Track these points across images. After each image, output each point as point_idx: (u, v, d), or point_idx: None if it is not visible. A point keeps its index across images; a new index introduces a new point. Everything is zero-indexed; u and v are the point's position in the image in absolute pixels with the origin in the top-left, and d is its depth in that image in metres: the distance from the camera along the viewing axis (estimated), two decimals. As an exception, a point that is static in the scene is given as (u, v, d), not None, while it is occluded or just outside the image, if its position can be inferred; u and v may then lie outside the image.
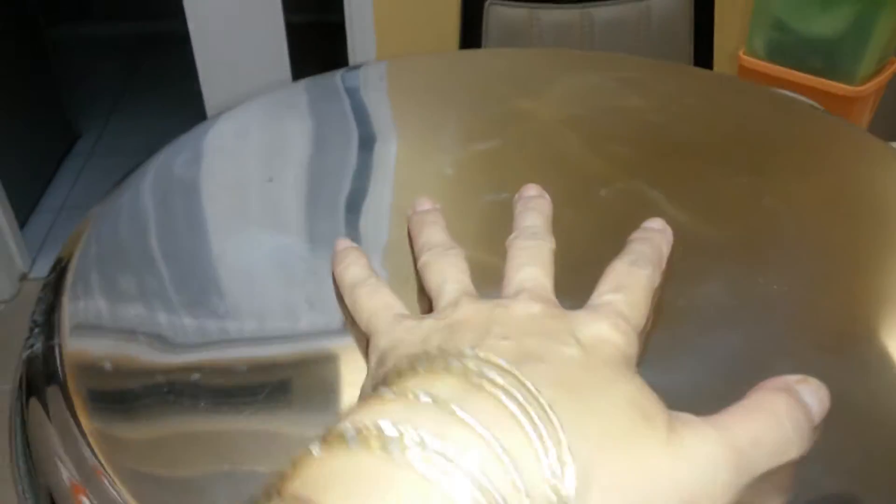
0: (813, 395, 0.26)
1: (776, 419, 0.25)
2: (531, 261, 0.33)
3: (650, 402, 0.24)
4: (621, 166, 0.46)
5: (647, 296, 0.31)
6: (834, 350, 0.33)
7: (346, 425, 0.20)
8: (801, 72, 0.96)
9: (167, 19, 2.57)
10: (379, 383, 0.22)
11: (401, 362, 0.22)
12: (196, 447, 0.29)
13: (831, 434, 0.28)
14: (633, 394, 0.24)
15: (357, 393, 0.29)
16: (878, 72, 0.97)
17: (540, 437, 0.20)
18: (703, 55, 1.30)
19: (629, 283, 0.31)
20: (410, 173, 0.46)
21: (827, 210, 0.42)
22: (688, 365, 0.32)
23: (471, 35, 1.35)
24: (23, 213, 2.02)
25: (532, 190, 0.39)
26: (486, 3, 1.33)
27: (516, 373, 0.21)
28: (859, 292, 0.37)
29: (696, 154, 0.47)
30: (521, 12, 1.33)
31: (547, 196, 0.39)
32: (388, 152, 0.48)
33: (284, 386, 0.31)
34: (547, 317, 0.28)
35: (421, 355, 0.22)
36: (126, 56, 2.90)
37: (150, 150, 0.48)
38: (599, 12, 1.38)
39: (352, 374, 0.31)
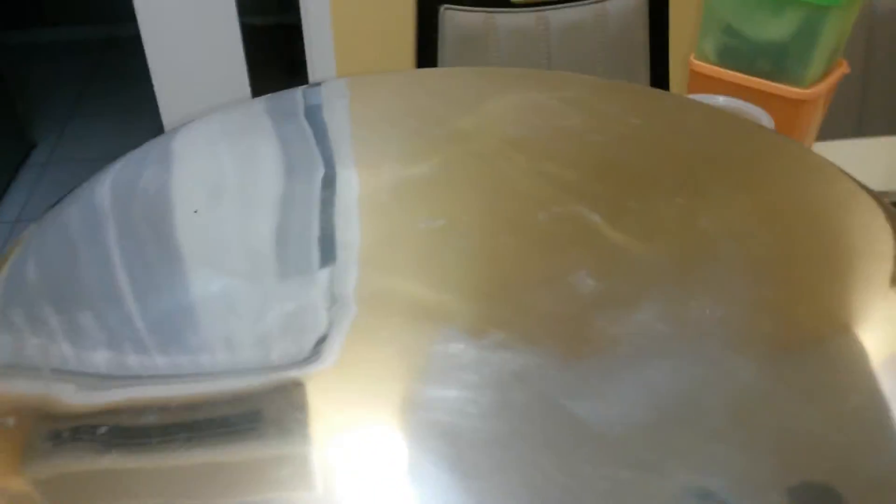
0: None
1: None
2: None
3: None
4: (560, 188, 0.45)
5: None
6: (769, 375, 0.33)
7: None
8: (751, 75, 0.97)
9: (123, 23, 2.53)
10: None
11: None
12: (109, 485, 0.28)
13: (766, 464, 0.28)
14: None
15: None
16: (826, 74, 0.98)
17: None
18: (658, 58, 1.30)
19: None
20: (347, 201, 0.45)
21: (765, 229, 0.42)
22: (619, 395, 0.32)
23: (426, 39, 1.34)
24: (-23, 225, 1.98)
25: None
26: (441, 8, 1.32)
27: None
28: (794, 313, 0.37)
29: (636, 175, 0.47)
30: (476, 17, 1.33)
31: None
32: (329, 178, 0.47)
33: (197, 425, 0.30)
34: None
35: None
36: (82, 61, 2.84)
37: (109, 157, 0.47)
38: (556, 16, 1.38)
39: (265, 407, 0.31)
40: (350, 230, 0.42)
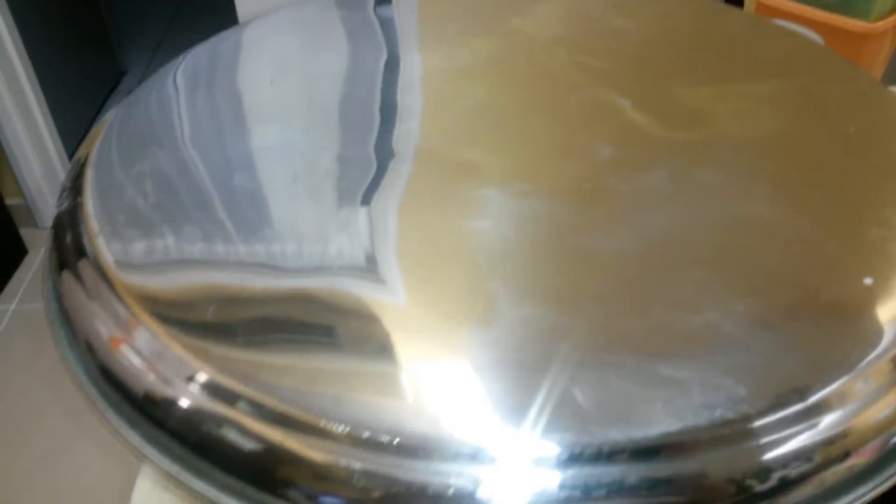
0: None
1: None
2: None
3: None
4: (594, 77, 0.50)
5: None
6: (759, 226, 0.37)
7: None
8: (816, 8, 0.97)
9: (210, -42, 2.60)
10: None
11: None
12: (217, 291, 0.33)
13: (739, 289, 0.33)
14: None
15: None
16: (894, 9, 0.98)
17: None
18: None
19: None
20: (407, 80, 0.50)
21: (778, 115, 0.46)
22: (621, 233, 0.37)
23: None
24: (71, 145, 2.11)
25: None
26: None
27: None
28: (790, 181, 0.41)
29: (667, 69, 0.51)
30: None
31: None
32: (389, 65, 0.53)
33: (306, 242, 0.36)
34: None
35: None
36: (171, -5, 2.95)
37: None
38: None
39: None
40: (407, 102, 0.47)
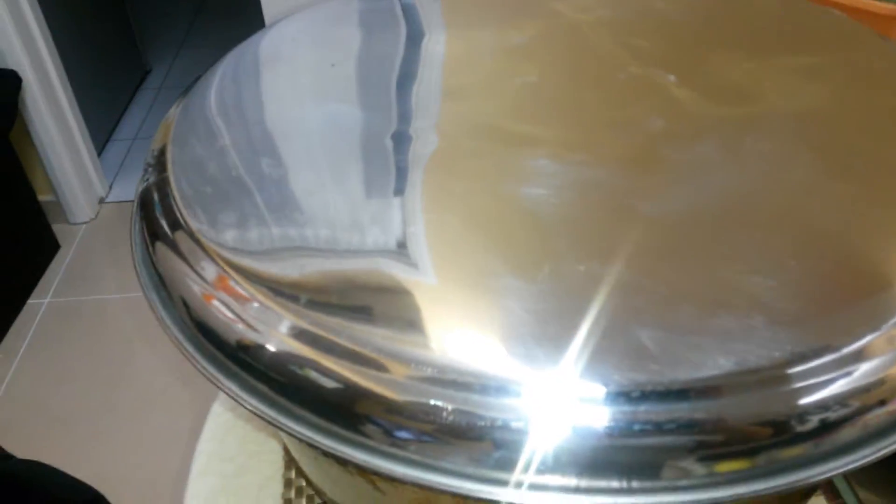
0: None
1: None
2: None
3: None
4: (639, 56, 0.52)
5: None
6: (805, 191, 0.39)
7: None
8: (843, -8, 0.99)
9: (232, -43, 2.64)
10: None
11: None
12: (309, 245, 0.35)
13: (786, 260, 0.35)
14: None
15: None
16: (921, -7, 0.99)
17: None
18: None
19: None
20: (456, 60, 0.53)
21: (820, 90, 0.48)
22: (675, 197, 0.39)
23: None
24: (100, 142, 2.16)
25: None
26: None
27: None
28: (833, 147, 0.43)
29: (711, 47, 0.53)
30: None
31: None
32: (435, 47, 0.55)
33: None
34: None
35: None
36: (192, -6, 2.99)
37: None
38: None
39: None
40: (459, 81, 0.50)
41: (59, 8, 1.93)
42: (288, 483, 0.56)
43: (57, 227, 1.97)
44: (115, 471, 1.45)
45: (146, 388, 1.61)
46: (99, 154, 2.14)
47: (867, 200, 0.38)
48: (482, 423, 0.28)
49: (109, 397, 1.60)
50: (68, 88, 1.93)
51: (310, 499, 0.55)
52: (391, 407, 0.30)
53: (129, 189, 2.11)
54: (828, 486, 0.49)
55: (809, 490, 0.44)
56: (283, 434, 0.38)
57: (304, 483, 0.56)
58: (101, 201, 2.09)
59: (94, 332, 1.75)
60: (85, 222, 2.03)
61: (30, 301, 1.82)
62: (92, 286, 1.85)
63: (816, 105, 0.46)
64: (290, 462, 0.58)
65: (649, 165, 0.41)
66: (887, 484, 0.45)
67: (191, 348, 0.34)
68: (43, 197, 1.95)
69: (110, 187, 2.13)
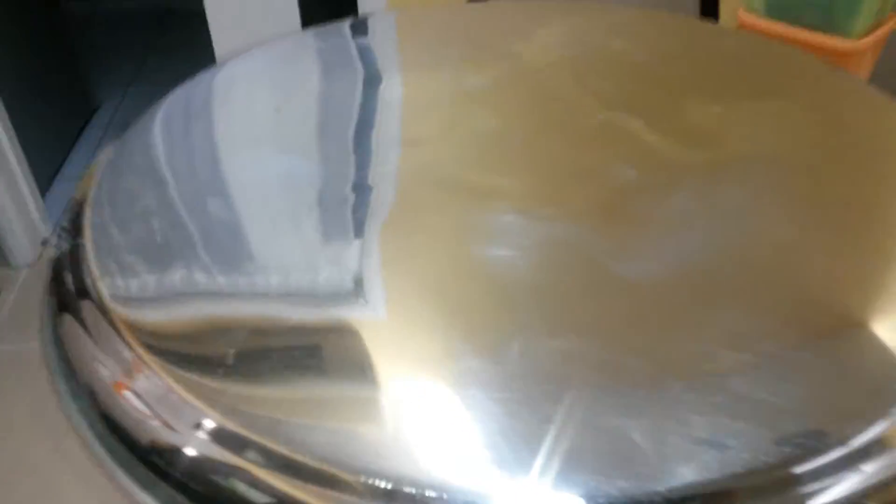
0: None
1: None
2: None
3: None
4: (604, 100, 0.49)
5: None
6: (782, 247, 0.36)
7: None
8: (800, 27, 0.98)
9: (182, -7, 2.60)
10: None
11: None
12: (225, 326, 0.32)
13: (765, 320, 0.32)
14: None
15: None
16: (876, 26, 0.99)
17: None
18: (709, 11, 1.31)
19: None
20: (410, 107, 0.49)
21: (787, 134, 0.45)
22: (651, 256, 0.36)
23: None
24: (44, 182, 2.08)
25: None
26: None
27: None
28: (809, 196, 0.40)
29: (675, 89, 0.50)
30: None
31: None
32: (393, 90, 0.51)
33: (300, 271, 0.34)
34: None
35: None
36: (142, 31, 2.94)
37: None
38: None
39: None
40: (414, 130, 0.46)
41: None
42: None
43: (-3, 272, 1.88)
44: (55, 533, 1.36)
45: (91, 441, 1.53)
46: (43, 195, 2.06)
47: (849, 257, 0.35)
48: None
49: (56, 447, 1.51)
50: (9, 127, 1.85)
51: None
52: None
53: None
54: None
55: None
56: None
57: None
58: (45, 243, 2.01)
59: (37, 381, 1.67)
60: (27, 265, 1.94)
61: (-34, 350, 1.73)
62: (34, 332, 1.77)
63: (785, 149, 0.43)
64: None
65: (620, 220, 0.38)
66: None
67: (100, 450, 0.29)
68: (-18, 240, 1.86)
69: (54, 228, 2.05)
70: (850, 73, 0.81)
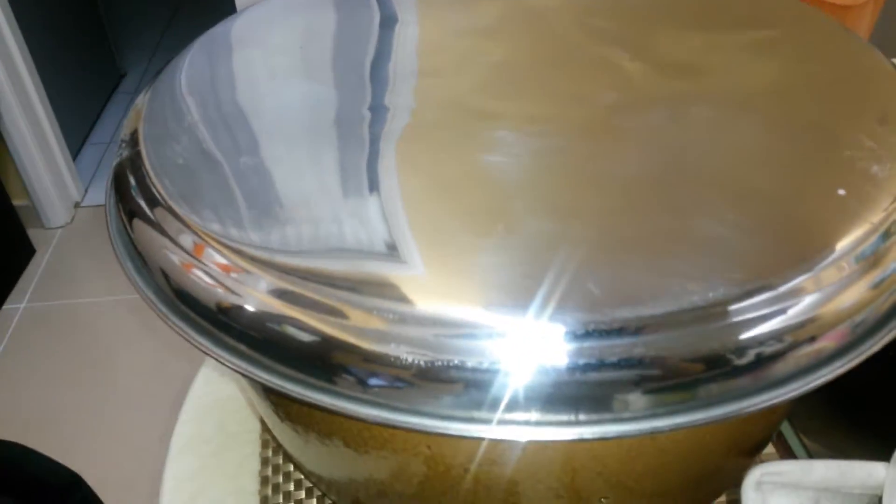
0: None
1: None
2: None
3: None
4: (599, 35, 0.54)
5: None
6: (750, 152, 0.42)
7: None
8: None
9: (205, -39, 2.65)
10: None
11: None
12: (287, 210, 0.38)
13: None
14: None
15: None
16: (875, -16, 1.02)
17: None
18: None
19: None
20: (420, 43, 0.55)
21: (767, 62, 0.50)
22: (625, 158, 0.41)
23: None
24: (74, 147, 2.16)
25: None
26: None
27: None
28: (774, 113, 0.45)
29: (669, 27, 0.55)
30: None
31: None
32: (408, 29, 0.57)
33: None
34: None
35: None
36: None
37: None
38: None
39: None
40: (427, 63, 0.52)
41: (32, 13, 1.93)
42: (265, 461, 0.58)
43: (32, 232, 1.97)
44: (94, 471, 1.45)
45: (124, 391, 1.62)
46: (74, 158, 2.14)
47: (803, 159, 0.41)
48: (451, 365, 0.30)
49: (87, 401, 1.60)
50: (42, 93, 1.93)
51: (286, 476, 0.57)
52: (364, 354, 0.31)
53: (104, 193, 2.11)
54: (778, 439, 0.51)
55: (761, 442, 0.46)
56: (261, 406, 0.39)
57: (281, 461, 0.58)
58: (77, 205, 2.09)
59: (70, 335, 1.75)
60: (60, 227, 2.03)
61: (5, 306, 1.82)
62: (68, 290, 1.85)
63: (762, 79, 0.49)
64: (267, 441, 0.60)
65: (602, 131, 0.43)
66: (833, 434, 0.48)
67: (169, 313, 0.36)
68: (18, 202, 1.95)
69: (86, 191, 2.13)
70: (849, 28, 0.86)
